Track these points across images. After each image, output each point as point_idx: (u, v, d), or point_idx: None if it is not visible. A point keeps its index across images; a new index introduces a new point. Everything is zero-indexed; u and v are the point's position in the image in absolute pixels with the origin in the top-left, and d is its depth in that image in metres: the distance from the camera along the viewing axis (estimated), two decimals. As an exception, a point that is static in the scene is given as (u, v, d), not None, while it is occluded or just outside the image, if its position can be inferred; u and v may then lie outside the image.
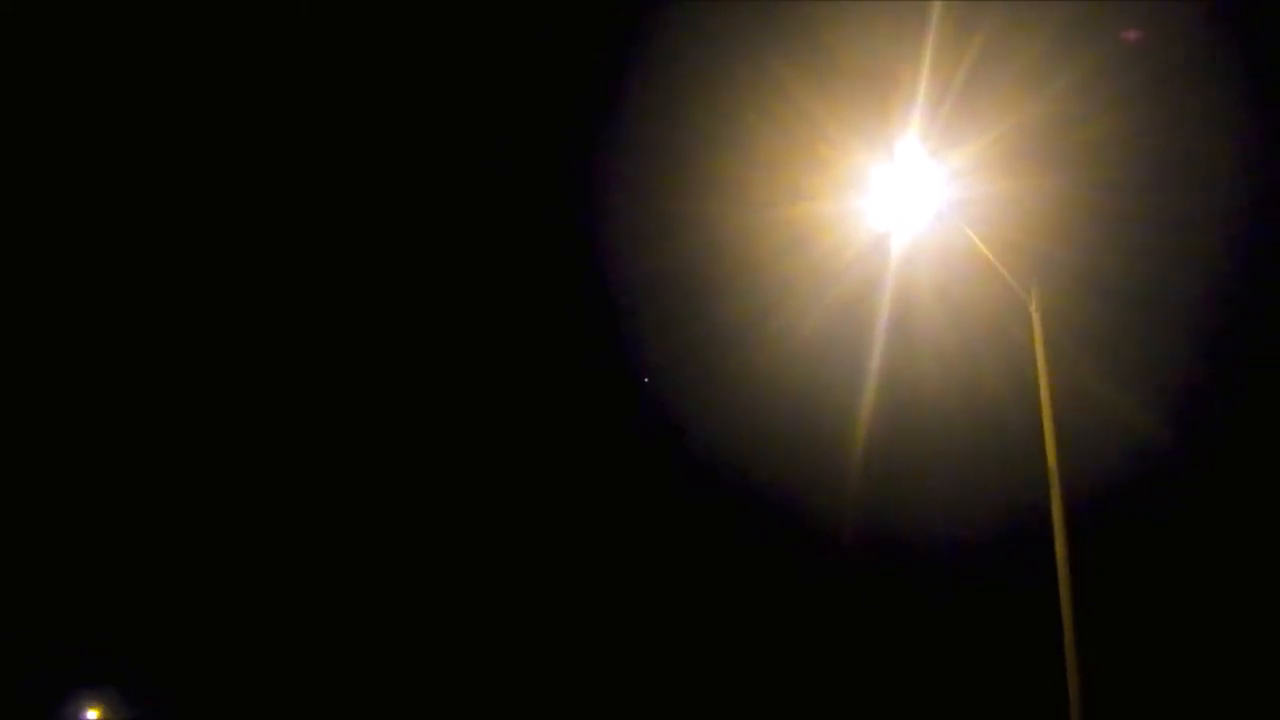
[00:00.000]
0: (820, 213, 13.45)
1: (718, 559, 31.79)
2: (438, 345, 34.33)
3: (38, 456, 34.33)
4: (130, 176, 33.32)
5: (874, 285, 13.91)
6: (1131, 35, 17.75)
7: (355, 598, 34.02)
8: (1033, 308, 12.49)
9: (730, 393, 27.58)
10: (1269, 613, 22.32)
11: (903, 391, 22.50)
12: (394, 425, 34.47)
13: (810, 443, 26.70)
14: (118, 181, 33.42)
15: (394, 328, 34.13)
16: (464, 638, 33.45)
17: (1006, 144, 13.66)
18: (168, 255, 34.38)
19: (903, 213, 12.86)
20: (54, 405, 34.85)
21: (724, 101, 22.34)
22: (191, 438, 35.16)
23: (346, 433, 34.49)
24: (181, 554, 35.20)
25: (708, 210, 22.72)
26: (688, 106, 23.46)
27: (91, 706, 33.22)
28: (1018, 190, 13.54)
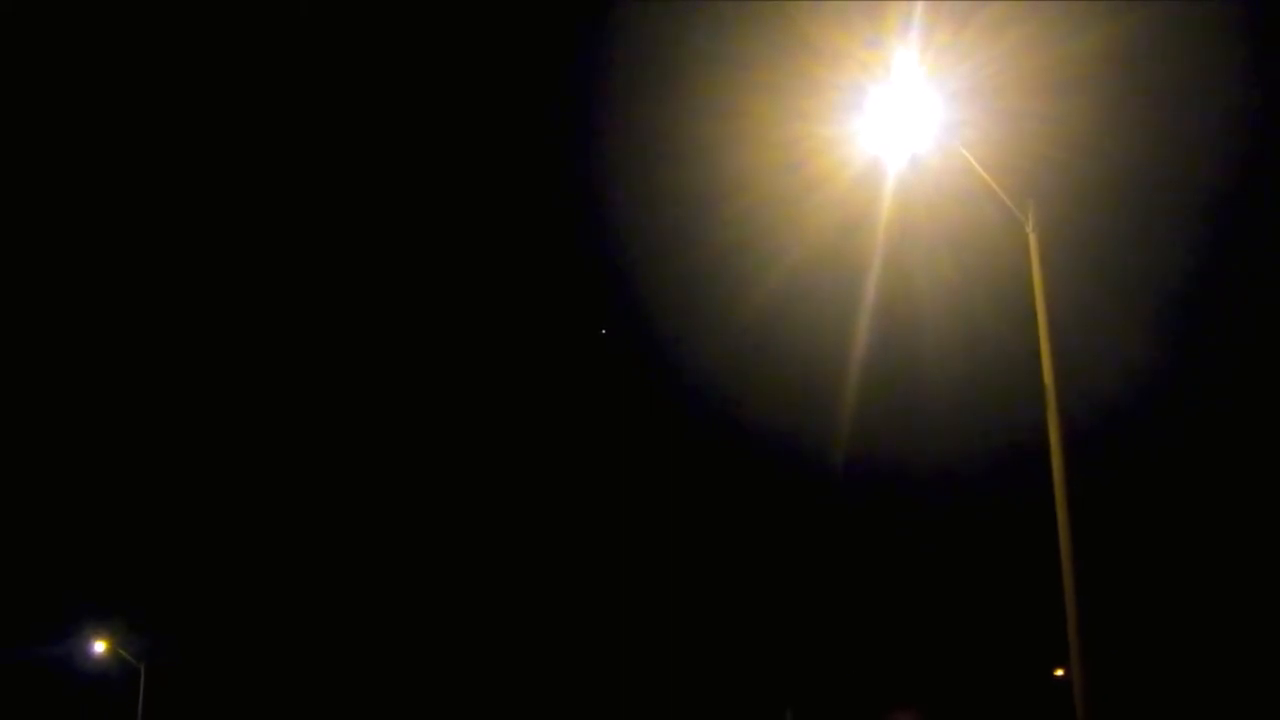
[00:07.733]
0: (816, 134, 13.31)
1: (710, 487, 31.86)
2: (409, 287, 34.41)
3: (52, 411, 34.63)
4: (132, 177, 33.26)
5: (870, 207, 13.82)
6: None
7: (355, 536, 34.30)
8: (1029, 228, 12.42)
9: (723, 317, 27.50)
10: (1266, 528, 22.48)
11: (899, 313, 22.46)
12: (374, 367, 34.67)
13: (805, 365, 26.66)
14: (116, 181, 33.40)
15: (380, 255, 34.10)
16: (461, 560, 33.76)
17: (1004, 64, 13.50)
18: (169, 255, 34.54)
19: (899, 134, 12.74)
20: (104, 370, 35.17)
21: (717, 20, 22.04)
22: (200, 404, 35.51)
23: (346, 373, 34.66)
24: (189, 496, 35.51)
25: (700, 132, 22.51)
26: (680, 25, 23.15)
27: (99, 638, 33.61)
28: (1015, 110, 13.41)
